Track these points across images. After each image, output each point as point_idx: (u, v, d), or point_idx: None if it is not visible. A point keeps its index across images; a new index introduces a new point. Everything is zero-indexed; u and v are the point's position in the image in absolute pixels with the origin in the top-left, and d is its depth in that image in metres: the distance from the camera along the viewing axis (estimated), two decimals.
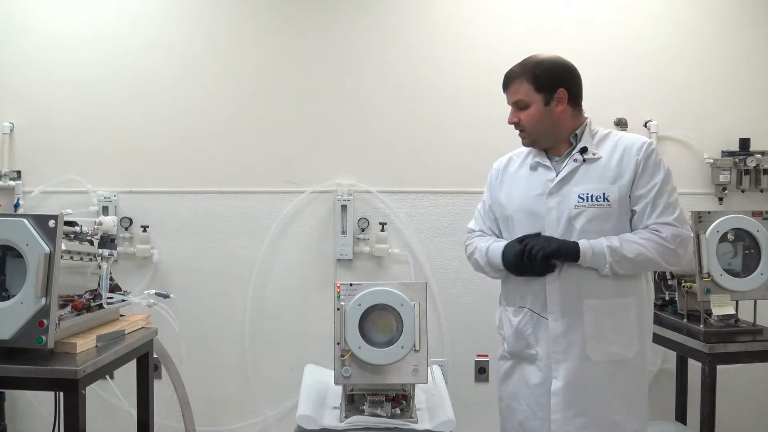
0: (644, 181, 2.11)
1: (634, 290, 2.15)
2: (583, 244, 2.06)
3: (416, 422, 2.16)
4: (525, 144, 2.23)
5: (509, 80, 2.18)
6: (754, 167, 3.53)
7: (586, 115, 2.22)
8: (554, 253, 2.06)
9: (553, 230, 2.12)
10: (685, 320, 2.93)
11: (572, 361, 2.10)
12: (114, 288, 2.67)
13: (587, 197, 2.10)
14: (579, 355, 2.10)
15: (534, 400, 2.17)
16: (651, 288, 2.23)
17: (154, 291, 2.71)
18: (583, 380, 2.10)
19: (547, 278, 2.12)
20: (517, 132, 2.21)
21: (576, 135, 2.18)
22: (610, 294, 2.11)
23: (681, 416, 3.36)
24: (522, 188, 2.22)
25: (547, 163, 2.19)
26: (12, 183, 3.53)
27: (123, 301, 2.62)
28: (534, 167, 2.22)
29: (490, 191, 2.36)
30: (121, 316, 2.74)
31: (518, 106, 2.16)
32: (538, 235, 2.12)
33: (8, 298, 2.20)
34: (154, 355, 2.78)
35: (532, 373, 2.18)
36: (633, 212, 2.13)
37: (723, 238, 2.83)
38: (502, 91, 2.23)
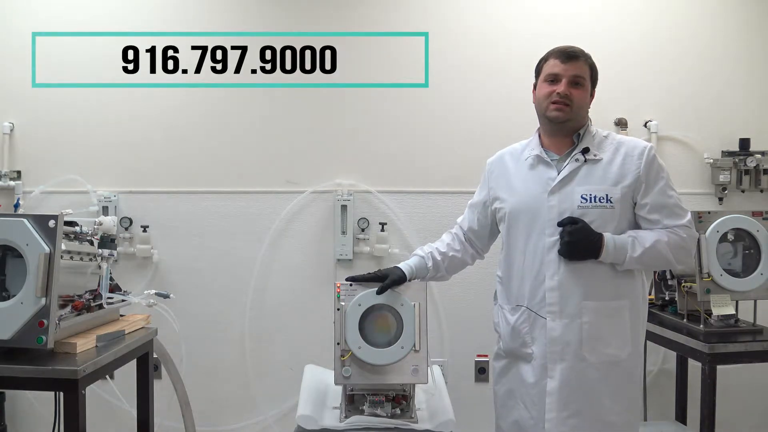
0: (652, 187, 2.12)
1: (630, 292, 2.15)
2: (606, 237, 2.06)
3: (416, 422, 2.15)
4: (559, 118, 2.14)
5: (577, 55, 2.15)
6: (754, 167, 3.53)
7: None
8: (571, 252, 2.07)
9: (554, 228, 2.12)
10: (685, 320, 2.93)
11: (568, 362, 2.11)
12: (114, 288, 2.67)
13: (591, 198, 2.11)
14: (575, 355, 2.11)
15: (529, 399, 2.18)
16: (646, 289, 2.23)
17: (154, 291, 2.71)
18: (578, 381, 2.11)
19: (546, 278, 2.13)
20: (554, 105, 2.13)
21: (579, 134, 2.18)
22: (608, 296, 2.12)
23: (681, 416, 3.36)
24: (521, 185, 2.22)
25: (549, 160, 2.19)
26: (12, 183, 3.53)
27: (123, 301, 2.63)
28: (534, 165, 2.21)
29: (483, 188, 2.37)
30: (121, 316, 2.74)
31: (575, 81, 2.13)
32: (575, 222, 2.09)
33: (8, 298, 2.21)
34: (154, 355, 2.78)
35: (527, 372, 2.19)
36: (643, 218, 2.13)
37: (723, 238, 2.84)
38: (535, 71, 2.24)
